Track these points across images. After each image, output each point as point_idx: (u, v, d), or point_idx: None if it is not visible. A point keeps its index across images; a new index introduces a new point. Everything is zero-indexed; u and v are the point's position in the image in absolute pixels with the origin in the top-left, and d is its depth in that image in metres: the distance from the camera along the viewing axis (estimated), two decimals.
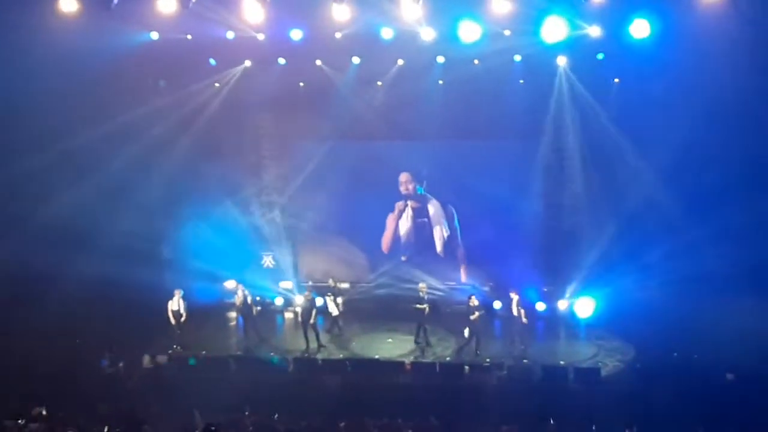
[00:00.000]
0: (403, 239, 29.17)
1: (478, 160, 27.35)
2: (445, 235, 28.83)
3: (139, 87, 25.59)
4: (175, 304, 24.53)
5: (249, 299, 25.65)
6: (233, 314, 27.02)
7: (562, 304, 25.53)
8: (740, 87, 22.18)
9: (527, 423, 19.06)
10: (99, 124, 24.21)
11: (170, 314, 24.47)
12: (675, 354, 22.62)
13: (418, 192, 28.70)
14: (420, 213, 28.98)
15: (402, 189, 28.73)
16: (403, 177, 28.67)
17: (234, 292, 26.27)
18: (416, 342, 25.02)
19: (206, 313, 26.35)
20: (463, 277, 28.71)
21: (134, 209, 25.37)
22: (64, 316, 23.00)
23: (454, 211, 28.77)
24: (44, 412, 17.68)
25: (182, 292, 24.73)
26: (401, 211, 28.93)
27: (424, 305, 24.84)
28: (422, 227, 29.03)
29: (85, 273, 23.77)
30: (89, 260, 23.90)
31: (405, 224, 29.03)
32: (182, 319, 24.57)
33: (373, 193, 28.10)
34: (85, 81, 23.12)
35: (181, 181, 26.72)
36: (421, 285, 25.50)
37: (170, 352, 23.91)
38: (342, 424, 19.14)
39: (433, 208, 28.91)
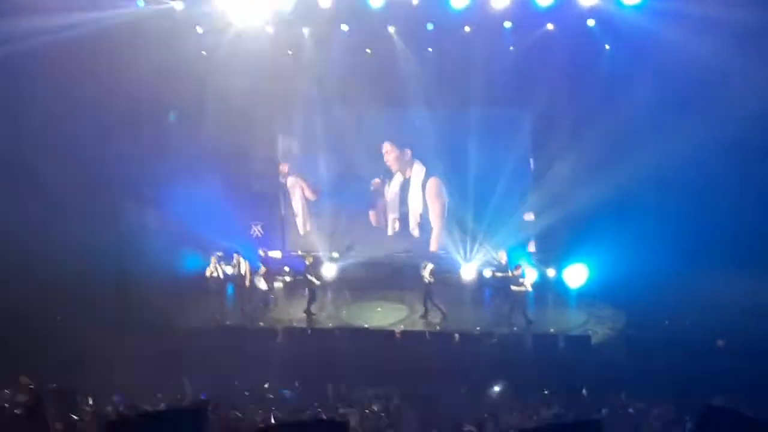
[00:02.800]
0: (389, 212, 28.94)
1: (469, 127, 27.13)
2: (419, 213, 28.58)
3: (125, 55, 25.22)
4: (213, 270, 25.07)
5: (245, 269, 25.53)
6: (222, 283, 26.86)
7: (551, 272, 25.43)
8: (734, 53, 22.03)
9: (518, 391, 19.10)
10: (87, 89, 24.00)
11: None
12: (666, 321, 22.64)
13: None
14: (404, 185, 28.71)
15: (384, 159, 28.47)
16: (386, 147, 28.40)
17: (231, 262, 26.10)
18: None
19: (194, 282, 26.14)
20: (434, 245, 28.52)
21: (115, 180, 25.16)
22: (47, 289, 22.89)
23: (441, 182, 28.44)
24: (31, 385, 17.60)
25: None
26: (386, 181, 28.65)
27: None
28: (404, 199, 28.78)
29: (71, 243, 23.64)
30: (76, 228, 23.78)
31: (390, 195, 28.78)
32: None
33: (357, 161, 27.82)
34: (72, 51, 22.99)
35: (166, 150, 26.51)
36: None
37: (157, 323, 23.78)
38: (330, 392, 19.21)
39: (415, 180, 28.57)
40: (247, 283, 25.84)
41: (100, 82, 24.22)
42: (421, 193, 28.50)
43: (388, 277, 26.68)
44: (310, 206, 29.09)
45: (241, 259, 25.77)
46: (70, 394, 16.62)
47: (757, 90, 22.11)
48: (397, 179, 28.59)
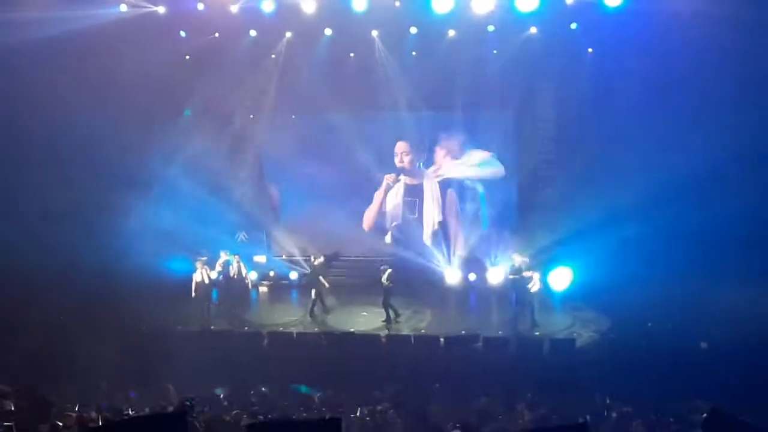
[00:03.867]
0: (388, 217, 28.89)
1: (452, 131, 27.19)
2: (437, 222, 28.47)
3: (107, 60, 25.12)
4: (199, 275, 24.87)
5: (243, 272, 25.61)
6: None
7: (536, 276, 25.45)
8: (716, 54, 22.13)
9: (503, 394, 19.12)
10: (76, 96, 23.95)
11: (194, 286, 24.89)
12: (649, 324, 22.69)
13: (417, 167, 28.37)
14: (412, 191, 28.63)
15: (396, 161, 28.39)
16: (400, 147, 28.29)
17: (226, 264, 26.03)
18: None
19: (178, 287, 26.02)
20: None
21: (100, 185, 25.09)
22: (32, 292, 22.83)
23: (456, 195, 28.41)
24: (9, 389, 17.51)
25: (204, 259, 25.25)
26: (389, 185, 28.58)
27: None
28: (412, 206, 28.69)
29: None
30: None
31: (393, 200, 28.69)
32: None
33: (347, 166, 27.81)
34: (55, 57, 22.95)
35: (150, 155, 26.42)
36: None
37: (142, 327, 23.69)
38: (317, 398, 19.18)
39: (429, 188, 28.47)
40: (249, 286, 25.72)
41: (83, 87, 24.12)
42: (427, 206, 28.49)
43: (373, 282, 26.57)
44: (296, 211, 28.90)
45: (241, 263, 25.71)
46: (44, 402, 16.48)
47: (745, 91, 22.32)
48: (403, 184, 28.51)
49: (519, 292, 23.86)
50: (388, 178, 28.40)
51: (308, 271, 26.13)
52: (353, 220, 28.73)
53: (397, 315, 24.67)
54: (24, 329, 21.58)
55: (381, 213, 28.80)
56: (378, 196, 28.67)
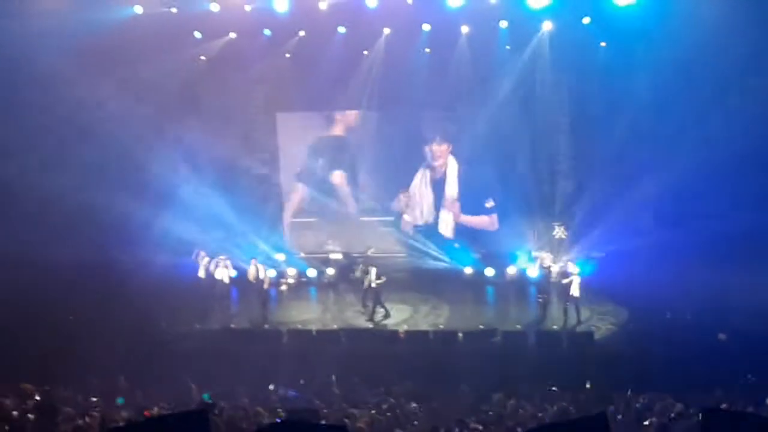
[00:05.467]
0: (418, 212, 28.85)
1: (466, 127, 27.23)
2: (453, 216, 28.48)
3: (123, 62, 25.27)
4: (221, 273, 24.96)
5: (261, 274, 25.39)
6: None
7: (554, 269, 25.39)
8: (730, 47, 22.12)
9: (521, 388, 19.18)
10: (86, 98, 24.11)
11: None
12: (668, 315, 22.70)
13: None
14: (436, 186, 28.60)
15: (431, 158, 28.30)
16: (439, 149, 28.15)
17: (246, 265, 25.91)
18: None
19: (199, 286, 26.11)
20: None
21: (119, 186, 25.25)
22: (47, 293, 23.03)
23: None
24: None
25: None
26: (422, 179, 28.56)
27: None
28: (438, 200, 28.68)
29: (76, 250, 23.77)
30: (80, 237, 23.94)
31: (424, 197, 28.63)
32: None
33: (362, 164, 27.88)
34: (69, 57, 23.12)
35: (167, 156, 26.57)
36: None
37: (164, 325, 23.85)
38: (337, 392, 19.29)
39: (451, 182, 28.44)
40: (266, 286, 25.69)
41: (98, 88, 24.34)
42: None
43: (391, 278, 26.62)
44: (313, 209, 28.98)
45: (259, 265, 25.59)
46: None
47: (760, 82, 22.33)
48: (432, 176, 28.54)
49: (564, 290, 23.65)
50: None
51: (358, 266, 26.17)
52: (369, 217, 28.72)
53: (387, 314, 24.60)
54: (40, 328, 21.83)
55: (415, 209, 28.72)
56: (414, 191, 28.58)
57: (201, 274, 25.17)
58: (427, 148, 28.09)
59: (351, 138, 27.78)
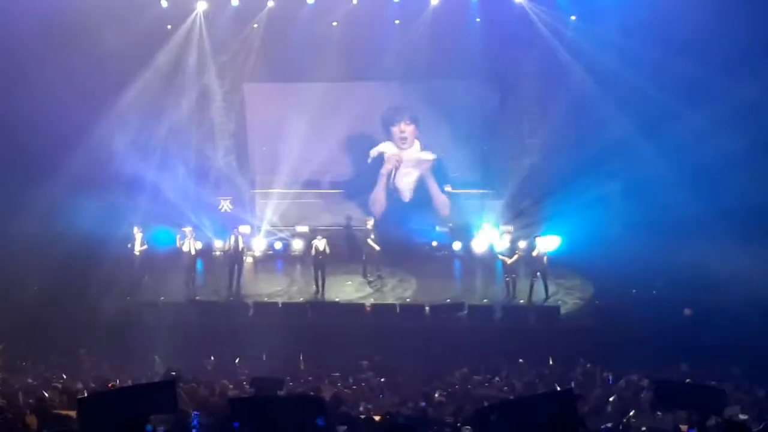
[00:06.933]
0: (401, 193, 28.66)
1: (435, 101, 27.10)
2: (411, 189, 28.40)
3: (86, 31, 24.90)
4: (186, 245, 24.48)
5: (241, 245, 25.08)
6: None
7: (522, 243, 25.40)
8: (698, 20, 22.14)
9: (488, 362, 19.23)
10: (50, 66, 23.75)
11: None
12: (634, 291, 22.80)
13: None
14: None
15: (398, 139, 28.14)
16: (407, 128, 27.98)
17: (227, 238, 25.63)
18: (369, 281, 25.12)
19: (161, 258, 25.87)
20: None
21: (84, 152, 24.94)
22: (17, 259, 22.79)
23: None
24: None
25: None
26: (396, 165, 28.38)
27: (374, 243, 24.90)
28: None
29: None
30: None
31: (401, 178, 28.46)
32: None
33: (329, 134, 27.64)
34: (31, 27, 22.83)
35: (131, 126, 26.28)
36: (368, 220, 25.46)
37: (128, 298, 23.64)
38: (302, 367, 19.24)
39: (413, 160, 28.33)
40: (247, 259, 25.64)
41: (64, 59, 23.99)
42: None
43: (357, 251, 26.52)
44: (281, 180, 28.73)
45: (239, 236, 25.20)
46: None
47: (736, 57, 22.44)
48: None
49: (532, 265, 23.59)
50: (394, 159, 28.23)
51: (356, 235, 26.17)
52: (336, 189, 28.59)
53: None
54: (5, 300, 21.60)
55: (390, 191, 28.51)
56: (383, 175, 28.36)
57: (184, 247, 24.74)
58: (394, 128, 27.98)
59: (318, 110, 27.38)
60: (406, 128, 27.94)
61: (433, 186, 28.17)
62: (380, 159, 28.30)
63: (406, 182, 28.38)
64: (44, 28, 23.30)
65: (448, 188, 27.97)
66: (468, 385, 17.35)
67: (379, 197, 28.42)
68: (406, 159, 28.18)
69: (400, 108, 27.88)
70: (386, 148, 28.23)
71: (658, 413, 12.66)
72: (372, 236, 25.04)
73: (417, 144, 28.11)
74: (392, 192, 28.43)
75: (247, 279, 25.68)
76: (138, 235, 24.71)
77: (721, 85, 22.30)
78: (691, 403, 10.11)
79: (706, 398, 10.15)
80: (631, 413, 13.05)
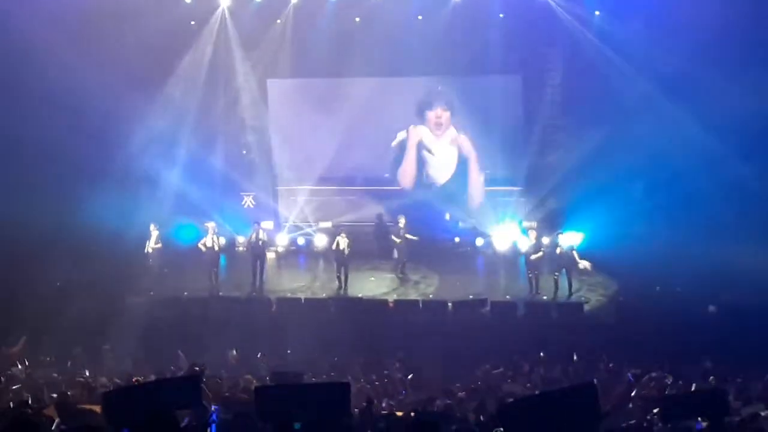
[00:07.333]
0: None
1: (459, 96, 27.04)
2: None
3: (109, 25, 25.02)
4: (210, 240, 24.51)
5: (262, 240, 24.95)
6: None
7: (545, 240, 25.31)
8: (727, 17, 22.00)
9: (511, 358, 19.18)
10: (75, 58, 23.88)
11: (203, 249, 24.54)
12: (657, 288, 22.69)
13: None
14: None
15: (432, 125, 28.03)
16: (439, 113, 27.83)
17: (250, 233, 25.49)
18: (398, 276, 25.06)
19: (185, 253, 25.98)
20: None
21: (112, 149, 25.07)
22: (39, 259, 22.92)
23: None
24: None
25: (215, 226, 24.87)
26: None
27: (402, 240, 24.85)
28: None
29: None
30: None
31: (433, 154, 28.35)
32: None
33: (354, 131, 27.64)
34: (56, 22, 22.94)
35: (154, 122, 26.34)
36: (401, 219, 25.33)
37: (151, 293, 23.76)
38: (326, 363, 19.24)
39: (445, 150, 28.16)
40: (270, 254, 25.80)
41: (88, 53, 24.07)
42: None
43: (381, 246, 26.53)
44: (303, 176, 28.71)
45: (261, 231, 25.07)
46: None
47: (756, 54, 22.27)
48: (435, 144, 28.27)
49: (556, 262, 23.49)
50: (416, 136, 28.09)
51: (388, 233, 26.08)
52: (360, 186, 28.55)
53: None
54: (28, 295, 21.74)
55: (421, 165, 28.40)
56: (411, 148, 28.24)
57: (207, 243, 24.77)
58: (429, 113, 27.87)
59: (345, 105, 27.35)
60: (443, 113, 27.75)
61: (474, 168, 27.89)
62: (404, 144, 28.24)
63: (444, 162, 28.19)
64: (61, 26, 23.34)
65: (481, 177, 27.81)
66: (491, 381, 17.32)
67: (408, 169, 28.32)
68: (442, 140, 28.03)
69: (435, 94, 27.65)
70: (412, 131, 28.15)
71: None
72: (404, 234, 24.93)
73: (453, 130, 27.94)
74: (423, 169, 28.33)
75: (270, 274, 25.77)
76: (154, 233, 24.72)
77: (748, 80, 22.07)
78: (697, 411, 10.11)
79: (708, 403, 10.13)
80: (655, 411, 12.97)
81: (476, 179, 27.86)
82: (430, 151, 28.09)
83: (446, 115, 27.74)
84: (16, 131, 23.64)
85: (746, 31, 22.12)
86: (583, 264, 23.21)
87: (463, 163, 27.95)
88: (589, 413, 7.58)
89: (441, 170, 28.25)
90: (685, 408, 10.21)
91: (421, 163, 28.23)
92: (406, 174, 28.24)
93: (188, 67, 27.08)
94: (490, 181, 27.56)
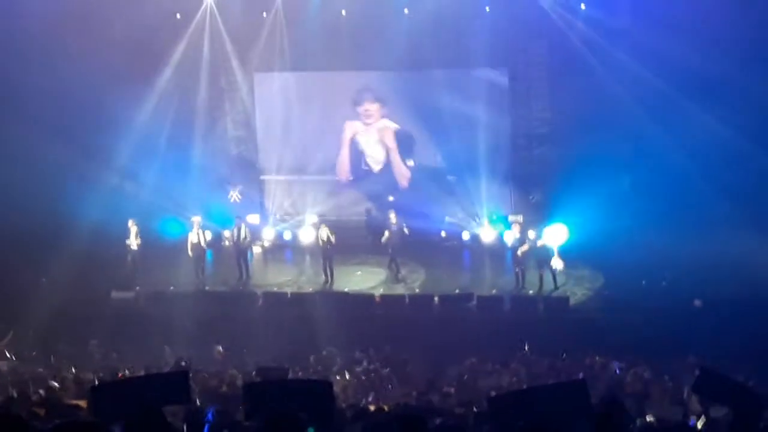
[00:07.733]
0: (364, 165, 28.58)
1: (445, 89, 26.98)
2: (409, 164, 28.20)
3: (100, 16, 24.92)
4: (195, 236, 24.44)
5: (245, 235, 24.92)
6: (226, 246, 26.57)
7: (530, 234, 25.31)
8: (710, 9, 22.07)
9: (497, 352, 19.21)
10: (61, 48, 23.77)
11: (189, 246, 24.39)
12: (643, 282, 22.75)
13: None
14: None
15: (364, 114, 27.99)
16: (372, 106, 27.85)
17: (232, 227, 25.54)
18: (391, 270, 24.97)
19: (171, 248, 25.90)
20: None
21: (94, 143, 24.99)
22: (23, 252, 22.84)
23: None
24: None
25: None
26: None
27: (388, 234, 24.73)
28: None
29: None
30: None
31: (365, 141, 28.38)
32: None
33: (339, 124, 27.63)
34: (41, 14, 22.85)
35: (139, 116, 26.23)
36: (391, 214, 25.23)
37: (137, 288, 23.70)
38: (312, 357, 19.22)
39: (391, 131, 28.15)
40: (255, 248, 25.87)
41: (71, 47, 23.98)
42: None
43: (368, 240, 26.49)
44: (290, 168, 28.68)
45: (243, 226, 25.07)
46: None
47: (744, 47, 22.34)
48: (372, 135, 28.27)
49: (540, 255, 23.44)
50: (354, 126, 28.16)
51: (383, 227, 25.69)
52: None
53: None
54: (14, 292, 21.66)
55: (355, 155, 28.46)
56: (345, 141, 28.25)
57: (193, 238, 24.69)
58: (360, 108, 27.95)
59: (325, 99, 27.33)
60: (370, 106, 27.80)
61: (394, 155, 27.99)
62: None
63: (373, 150, 28.31)
64: (44, 20, 23.24)
65: (410, 162, 27.89)
66: (477, 375, 17.35)
67: (342, 161, 28.37)
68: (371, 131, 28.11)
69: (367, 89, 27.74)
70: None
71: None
72: (400, 227, 24.78)
73: (385, 121, 27.98)
74: (358, 157, 28.38)
75: (256, 269, 25.77)
76: (133, 228, 24.43)
77: (733, 75, 22.15)
78: (730, 400, 9.76)
79: (744, 400, 9.68)
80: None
81: (399, 165, 28.05)
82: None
83: (374, 107, 27.78)
84: None
85: (733, 22, 22.15)
86: (557, 263, 23.21)
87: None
88: (579, 409, 7.60)
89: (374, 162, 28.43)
90: (722, 393, 9.82)
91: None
92: (342, 167, 28.49)
93: (174, 61, 26.94)
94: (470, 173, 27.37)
